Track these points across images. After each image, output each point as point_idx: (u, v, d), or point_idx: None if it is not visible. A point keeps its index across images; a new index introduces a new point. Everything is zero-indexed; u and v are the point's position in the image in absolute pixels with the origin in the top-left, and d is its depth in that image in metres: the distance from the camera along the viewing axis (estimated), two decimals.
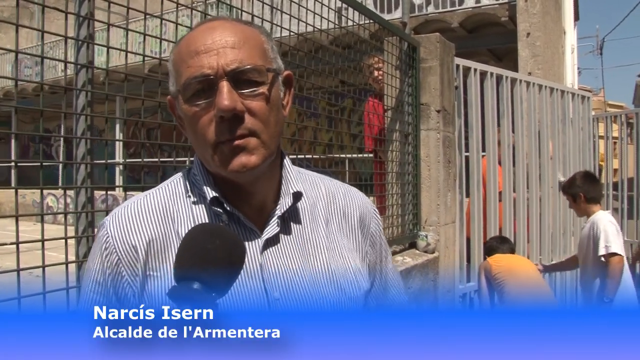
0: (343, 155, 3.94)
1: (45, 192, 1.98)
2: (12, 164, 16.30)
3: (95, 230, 1.80)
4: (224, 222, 0.97)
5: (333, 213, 1.09)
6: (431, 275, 3.76)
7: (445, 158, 4.07)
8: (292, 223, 1.02)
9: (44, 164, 1.73)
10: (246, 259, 0.93)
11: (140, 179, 1.84)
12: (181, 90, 0.93)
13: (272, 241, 0.98)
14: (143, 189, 1.12)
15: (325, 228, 1.06)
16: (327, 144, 3.67)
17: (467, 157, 4.60)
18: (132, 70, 1.90)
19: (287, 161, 1.07)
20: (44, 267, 1.55)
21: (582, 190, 4.17)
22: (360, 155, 4.36)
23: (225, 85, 0.89)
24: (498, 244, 4.32)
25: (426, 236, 3.81)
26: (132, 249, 0.94)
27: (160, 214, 0.98)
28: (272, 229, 0.98)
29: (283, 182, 1.04)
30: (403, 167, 3.83)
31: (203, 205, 0.98)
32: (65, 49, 1.58)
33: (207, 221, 0.97)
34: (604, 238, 3.90)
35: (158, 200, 1.00)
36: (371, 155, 4.21)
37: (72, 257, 1.65)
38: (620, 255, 3.85)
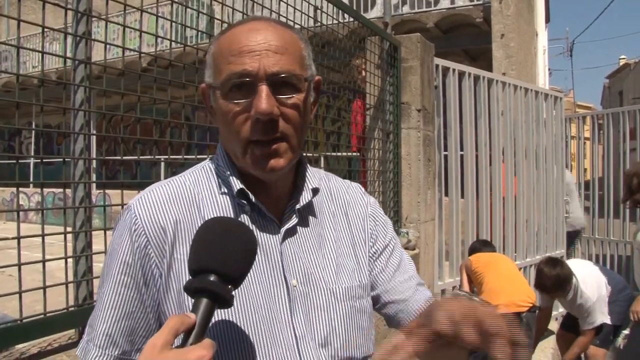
0: (335, 154, 3.96)
1: (16, 190, 1.95)
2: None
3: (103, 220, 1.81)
4: (247, 212, 1.01)
5: (337, 207, 1.15)
6: None
7: (426, 156, 4.13)
8: (308, 216, 1.08)
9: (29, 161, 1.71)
10: (268, 248, 1.00)
11: (114, 176, 1.84)
12: (219, 86, 0.96)
13: (291, 232, 1.04)
14: (143, 185, 1.13)
15: (332, 221, 1.12)
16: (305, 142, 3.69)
17: (445, 156, 4.68)
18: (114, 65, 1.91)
19: (304, 159, 1.12)
20: (44, 261, 1.55)
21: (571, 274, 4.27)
22: (347, 154, 4.38)
23: (264, 89, 0.91)
24: (481, 246, 4.43)
25: (407, 233, 3.87)
26: (161, 230, 0.96)
27: (186, 199, 1.01)
28: (291, 220, 1.04)
29: (306, 177, 1.09)
30: (384, 165, 3.88)
31: (228, 196, 1.02)
32: (42, 42, 1.58)
33: (231, 210, 1.01)
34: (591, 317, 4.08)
35: (183, 187, 1.02)
36: (355, 154, 4.24)
37: (47, 256, 1.63)
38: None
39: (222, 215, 0.99)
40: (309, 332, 0.99)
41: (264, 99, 0.91)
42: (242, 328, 0.94)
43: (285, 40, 0.96)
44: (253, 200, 1.00)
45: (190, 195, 1.01)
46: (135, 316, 0.97)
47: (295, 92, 0.96)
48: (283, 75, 0.93)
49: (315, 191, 1.08)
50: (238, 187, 1.00)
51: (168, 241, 0.96)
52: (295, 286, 1.00)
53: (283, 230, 1.02)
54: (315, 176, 1.13)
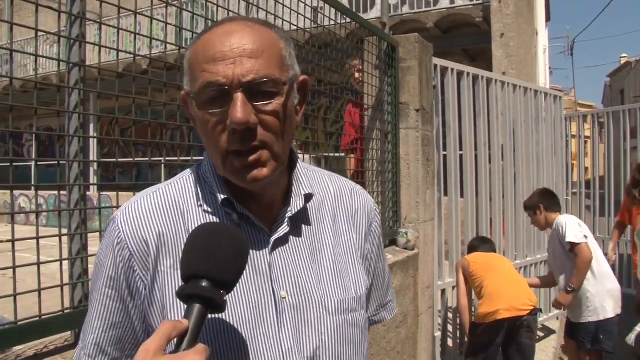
0: (332, 154, 3.96)
1: (17, 192, 1.95)
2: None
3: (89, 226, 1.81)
4: (235, 221, 0.98)
5: (340, 211, 1.11)
6: (411, 272, 3.81)
7: (424, 156, 4.12)
8: (301, 224, 1.04)
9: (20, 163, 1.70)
10: (255, 258, 0.96)
11: (114, 178, 1.84)
12: (195, 95, 0.92)
13: (282, 241, 1.00)
14: (138, 187, 1.13)
15: (332, 226, 1.08)
16: (303, 142, 3.70)
17: (444, 156, 4.68)
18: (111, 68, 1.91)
19: (298, 162, 1.08)
20: (39, 264, 1.55)
21: (540, 202, 4.36)
22: (340, 155, 4.39)
23: (240, 97, 0.87)
24: (479, 243, 4.42)
25: (406, 233, 3.86)
26: (144, 244, 0.95)
27: (170, 210, 0.98)
28: (282, 229, 1.00)
29: (294, 183, 1.05)
30: (383, 166, 3.87)
31: (214, 205, 0.99)
32: (36, 45, 1.58)
33: (217, 220, 0.98)
34: (564, 233, 4.00)
35: (169, 196, 1.00)
36: (350, 154, 4.24)
37: (43, 258, 1.62)
38: (580, 243, 3.92)
39: None
40: (297, 346, 0.96)
41: (239, 108, 0.87)
42: (225, 342, 0.92)
43: (262, 42, 0.92)
44: (238, 209, 0.97)
45: (175, 206, 0.99)
46: (122, 326, 0.98)
47: (274, 97, 0.91)
48: (259, 81, 0.89)
49: (307, 197, 1.03)
50: (223, 197, 0.97)
51: (151, 255, 0.95)
52: (285, 298, 0.96)
53: (272, 240, 0.98)
54: (312, 179, 1.09)
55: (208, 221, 0.97)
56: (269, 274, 0.97)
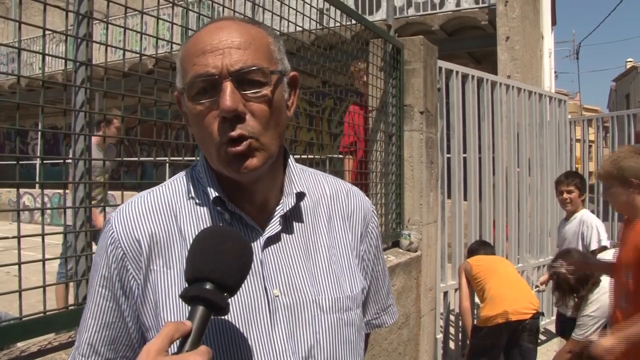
0: (330, 156, 3.97)
1: (21, 191, 1.95)
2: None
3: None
4: (227, 220, 0.99)
5: (335, 212, 1.11)
6: (414, 274, 3.82)
7: (428, 159, 4.13)
8: (294, 222, 1.04)
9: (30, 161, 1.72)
10: None
11: (119, 177, 1.84)
12: (187, 88, 0.94)
13: (274, 239, 1.00)
14: (143, 187, 1.14)
15: (327, 226, 1.08)
16: (307, 143, 3.71)
17: (448, 158, 4.69)
18: (115, 67, 1.93)
19: (291, 161, 1.09)
20: (44, 260, 1.56)
21: (578, 180, 4.50)
22: (340, 156, 4.40)
23: (228, 86, 0.90)
24: (479, 247, 4.44)
25: (409, 235, 3.87)
26: (136, 243, 0.96)
27: (163, 210, 0.99)
28: (273, 227, 1.00)
29: (286, 181, 1.06)
30: (387, 167, 3.88)
31: (206, 204, 1.00)
32: (43, 44, 1.60)
33: (209, 219, 0.99)
34: (597, 235, 4.06)
35: (162, 197, 1.02)
36: (348, 155, 4.24)
37: (47, 256, 1.63)
38: (609, 249, 3.96)
39: (199, 224, 0.98)
40: (291, 345, 0.95)
41: (227, 96, 0.89)
42: (216, 341, 0.92)
43: (249, 35, 0.95)
44: (230, 207, 0.98)
45: (167, 206, 1.00)
46: (115, 326, 0.99)
47: (262, 86, 0.93)
48: (247, 70, 0.91)
49: (299, 196, 1.04)
50: (214, 195, 0.98)
51: (144, 254, 0.96)
52: (278, 296, 0.96)
53: (264, 237, 0.99)
54: (307, 180, 1.10)
55: (199, 220, 0.99)
56: (261, 272, 0.97)
